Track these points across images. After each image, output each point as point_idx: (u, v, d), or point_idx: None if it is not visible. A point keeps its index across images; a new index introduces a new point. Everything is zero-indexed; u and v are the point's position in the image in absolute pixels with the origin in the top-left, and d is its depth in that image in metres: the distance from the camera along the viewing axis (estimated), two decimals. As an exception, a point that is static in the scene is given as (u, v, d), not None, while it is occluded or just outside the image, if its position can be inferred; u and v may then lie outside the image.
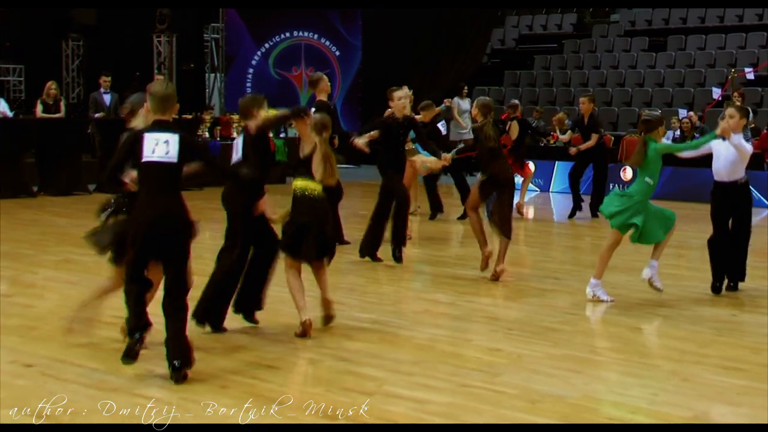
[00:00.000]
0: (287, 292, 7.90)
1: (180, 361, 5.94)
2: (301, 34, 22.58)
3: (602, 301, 8.41)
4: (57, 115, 16.51)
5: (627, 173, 17.86)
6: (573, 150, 14.66)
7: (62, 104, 17.00)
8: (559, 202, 17.33)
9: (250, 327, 7.38)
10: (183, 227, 6.08)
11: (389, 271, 9.99)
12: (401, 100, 10.13)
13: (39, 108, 16.66)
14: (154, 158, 5.95)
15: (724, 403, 5.79)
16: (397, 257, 10.11)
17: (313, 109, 9.50)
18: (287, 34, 22.41)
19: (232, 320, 7.62)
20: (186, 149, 6.02)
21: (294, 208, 7.15)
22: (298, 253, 7.14)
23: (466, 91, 19.57)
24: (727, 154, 8.69)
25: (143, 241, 5.99)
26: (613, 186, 17.83)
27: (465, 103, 19.25)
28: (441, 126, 14.57)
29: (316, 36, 22.60)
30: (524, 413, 5.52)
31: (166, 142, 5.97)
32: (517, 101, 15.01)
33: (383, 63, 23.07)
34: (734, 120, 8.54)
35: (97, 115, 17.45)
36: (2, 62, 21.64)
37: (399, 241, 10.16)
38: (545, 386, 6.01)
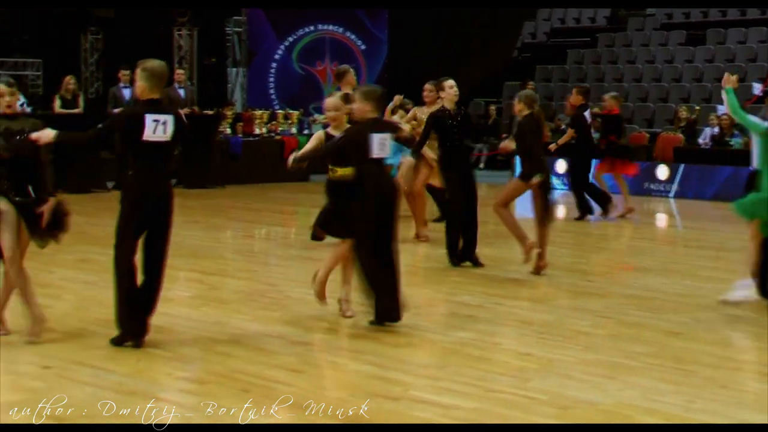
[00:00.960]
0: (311, 293, 7.77)
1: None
2: (325, 27, 22.39)
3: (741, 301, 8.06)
4: (75, 111, 16.36)
5: (663, 172, 17.57)
6: (552, 146, 13.81)
7: (81, 99, 16.86)
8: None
9: (272, 330, 7.23)
10: (172, 201, 6.65)
11: (416, 273, 9.82)
12: (453, 89, 9.87)
13: (57, 103, 16.53)
14: (154, 138, 6.42)
15: (763, 412, 5.59)
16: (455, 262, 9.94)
17: None
18: (311, 28, 22.23)
19: (257, 323, 7.50)
20: (179, 129, 6.55)
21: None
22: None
23: (531, 85, 18.96)
24: None
25: (144, 215, 6.47)
26: (647, 185, 17.61)
27: None
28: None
29: (341, 29, 22.41)
30: (555, 420, 5.37)
31: (165, 122, 6.45)
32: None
33: (410, 57, 22.89)
34: None
35: (116, 110, 17.26)
36: (20, 56, 21.64)
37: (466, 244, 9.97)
38: (577, 392, 5.86)
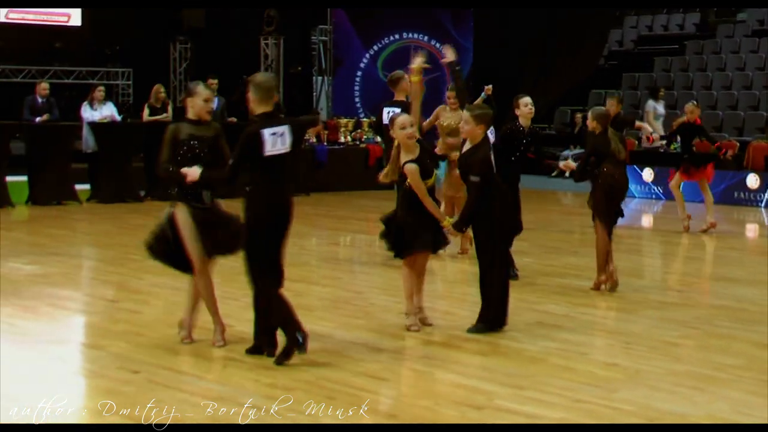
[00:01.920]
0: (395, 301, 7.79)
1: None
2: (410, 35, 22.34)
3: None
4: (164, 116, 16.59)
5: (755, 181, 17.19)
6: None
7: (170, 107, 17.11)
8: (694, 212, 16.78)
9: (357, 337, 7.25)
10: (293, 211, 6.60)
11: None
12: (527, 106, 9.76)
13: (146, 112, 16.78)
14: (275, 151, 6.37)
15: None
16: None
17: (396, 110, 9.40)
18: (396, 36, 22.21)
19: (342, 330, 7.52)
20: (297, 136, 6.55)
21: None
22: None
23: (662, 92, 18.60)
24: None
25: (273, 227, 6.42)
26: (737, 194, 17.25)
27: (661, 107, 18.32)
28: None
29: (425, 38, 22.35)
30: (643, 432, 5.28)
31: (282, 134, 6.40)
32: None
33: (495, 65, 22.72)
34: None
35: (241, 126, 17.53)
36: (111, 66, 22.02)
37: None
38: (665, 404, 5.76)
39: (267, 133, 6.35)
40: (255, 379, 6.17)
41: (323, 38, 22.61)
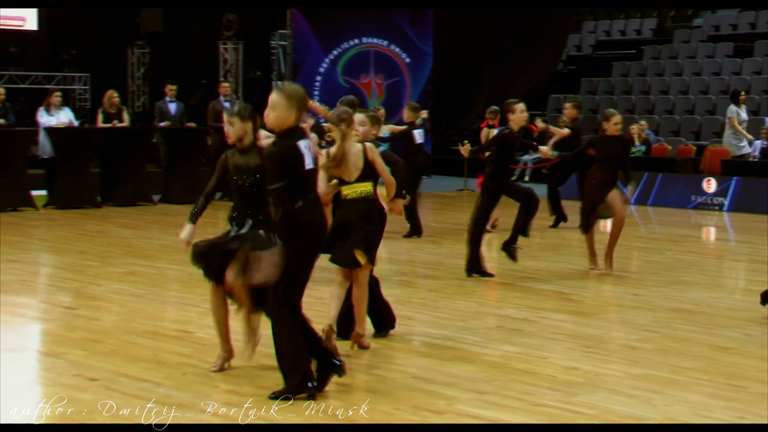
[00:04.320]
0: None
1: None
2: (370, 40, 22.35)
3: None
4: (120, 125, 16.47)
5: (711, 185, 17.36)
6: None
7: (125, 113, 16.99)
8: (652, 216, 16.93)
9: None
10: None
11: (461, 285, 9.77)
12: (524, 113, 9.92)
13: (100, 118, 16.66)
14: (310, 165, 5.91)
15: (816, 429, 5.48)
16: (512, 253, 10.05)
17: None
18: (356, 41, 22.20)
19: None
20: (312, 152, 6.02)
21: None
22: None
23: (743, 96, 18.47)
24: None
25: (319, 244, 6.02)
26: (694, 198, 17.42)
27: (744, 112, 18.23)
28: (418, 134, 13.06)
29: (385, 42, 22.37)
30: (603, 436, 5.31)
31: (308, 147, 5.93)
32: (496, 107, 13.84)
33: (455, 70, 22.79)
34: None
35: (162, 124, 17.37)
36: (68, 71, 21.81)
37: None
38: (624, 407, 5.79)
39: (303, 145, 5.86)
40: (215, 386, 6.13)
41: (282, 43, 22.54)
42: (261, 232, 6.22)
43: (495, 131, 11.10)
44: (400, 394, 6.04)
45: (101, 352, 6.91)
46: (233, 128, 6.37)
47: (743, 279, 10.69)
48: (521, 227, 9.96)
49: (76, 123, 16.84)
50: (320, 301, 7.71)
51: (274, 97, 5.88)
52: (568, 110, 14.14)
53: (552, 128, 14.89)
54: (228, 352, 6.51)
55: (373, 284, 7.30)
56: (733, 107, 18.17)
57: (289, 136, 5.84)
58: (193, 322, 7.85)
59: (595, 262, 10.32)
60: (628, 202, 10.65)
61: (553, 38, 24.61)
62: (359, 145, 6.92)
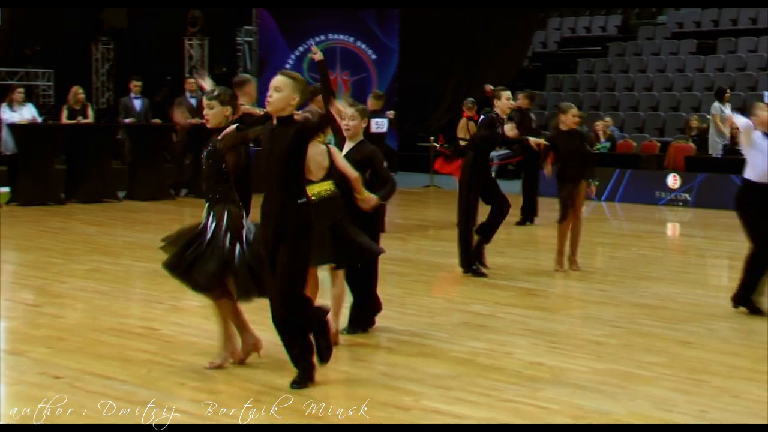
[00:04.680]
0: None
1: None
2: (336, 37, 22.33)
3: None
4: (85, 121, 16.34)
5: (675, 181, 17.49)
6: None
7: (90, 109, 16.85)
8: (619, 212, 17.03)
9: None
10: None
11: (427, 282, 9.79)
12: (509, 100, 10.01)
13: (64, 114, 16.54)
14: None
15: (777, 422, 5.55)
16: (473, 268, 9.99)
17: None
18: (322, 38, 22.16)
19: (269, 332, 7.48)
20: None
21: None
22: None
23: (728, 94, 18.24)
24: None
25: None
26: (659, 194, 17.55)
27: (727, 109, 18.14)
28: (375, 123, 12.63)
29: (351, 39, 22.37)
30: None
31: None
32: (473, 99, 14.99)
33: (421, 66, 22.82)
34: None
35: (127, 120, 17.26)
36: (32, 66, 21.61)
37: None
38: (589, 401, 5.83)
39: None
40: (180, 383, 6.10)
41: (248, 39, 22.46)
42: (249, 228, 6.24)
43: (474, 123, 11.20)
44: (367, 390, 6.04)
45: (65, 349, 6.87)
46: (212, 111, 6.36)
47: (706, 274, 10.79)
48: (487, 232, 9.95)
49: (39, 119, 16.69)
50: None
51: (280, 78, 5.85)
52: (520, 100, 14.54)
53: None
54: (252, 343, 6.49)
55: (372, 279, 7.46)
56: (716, 104, 18.26)
57: (289, 124, 5.82)
58: (158, 319, 7.81)
59: (562, 263, 10.32)
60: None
61: (519, 35, 24.71)
62: (323, 146, 6.95)
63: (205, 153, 6.33)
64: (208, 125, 6.38)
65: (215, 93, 6.42)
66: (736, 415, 5.65)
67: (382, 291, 9.21)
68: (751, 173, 8.21)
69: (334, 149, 7.03)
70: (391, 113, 12.61)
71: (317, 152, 6.85)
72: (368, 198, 6.94)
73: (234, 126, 6.34)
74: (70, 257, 10.85)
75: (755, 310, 8.24)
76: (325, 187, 6.92)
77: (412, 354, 6.90)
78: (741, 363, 6.79)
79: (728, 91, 18.67)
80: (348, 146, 7.26)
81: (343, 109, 7.27)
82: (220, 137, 6.25)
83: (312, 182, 6.85)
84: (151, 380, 6.15)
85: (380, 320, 7.85)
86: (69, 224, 13.74)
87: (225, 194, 6.30)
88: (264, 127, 6.01)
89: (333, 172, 6.96)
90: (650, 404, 5.82)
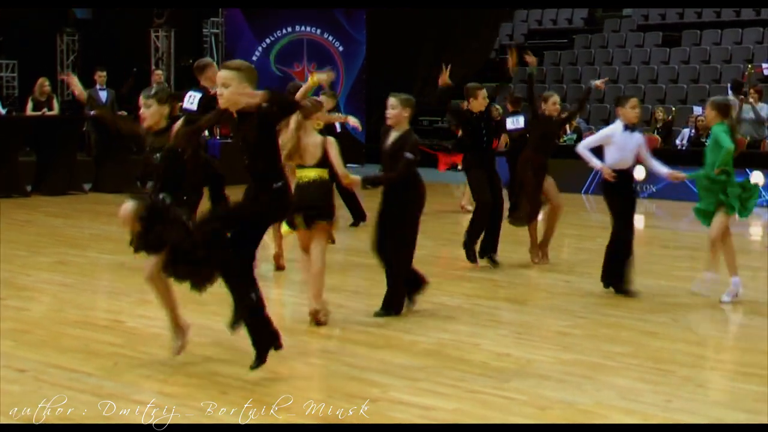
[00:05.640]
0: (290, 294, 7.76)
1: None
2: (303, 29, 22.28)
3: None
4: (50, 113, 16.20)
5: (638, 173, 17.57)
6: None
7: (55, 101, 16.71)
8: (586, 203, 17.11)
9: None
10: None
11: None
12: (486, 98, 10.06)
13: (29, 105, 16.37)
14: None
15: (740, 410, 5.62)
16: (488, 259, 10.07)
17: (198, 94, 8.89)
18: (289, 29, 22.11)
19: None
20: None
21: None
22: None
23: (745, 88, 18.16)
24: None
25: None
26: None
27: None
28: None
29: (318, 31, 22.33)
30: (533, 420, 5.39)
31: None
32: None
33: (388, 58, 22.82)
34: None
35: (92, 112, 17.14)
36: (-6, 57, 21.44)
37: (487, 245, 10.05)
38: (555, 392, 5.87)
39: None
40: (147, 375, 6.08)
41: (215, 31, 22.35)
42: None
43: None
44: (334, 382, 6.05)
45: (30, 342, 6.82)
46: (149, 111, 6.33)
47: (671, 265, 10.87)
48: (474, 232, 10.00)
49: (2, 111, 16.52)
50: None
51: (224, 73, 5.77)
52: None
53: None
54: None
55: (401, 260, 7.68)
56: (732, 97, 18.25)
57: (250, 116, 5.82)
58: (124, 312, 7.77)
59: (537, 254, 10.32)
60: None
61: (485, 27, 24.77)
62: (320, 137, 7.20)
63: (159, 154, 6.29)
64: (144, 124, 6.37)
65: (153, 91, 6.43)
66: (700, 404, 5.70)
67: (350, 283, 9.26)
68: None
69: (331, 143, 7.22)
70: (352, 119, 12.34)
71: (311, 142, 7.14)
72: (354, 180, 7.27)
73: (180, 121, 6.33)
74: (35, 249, 10.76)
75: (624, 291, 8.68)
76: (316, 173, 7.15)
77: (380, 346, 6.91)
78: (705, 353, 6.87)
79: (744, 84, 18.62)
80: (393, 135, 7.46)
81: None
82: (172, 138, 6.22)
83: (304, 167, 7.16)
84: (116, 373, 6.12)
85: (347, 312, 7.86)
86: (34, 216, 13.63)
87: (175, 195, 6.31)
88: (215, 115, 5.98)
89: (325, 162, 7.20)
90: (616, 394, 5.86)
